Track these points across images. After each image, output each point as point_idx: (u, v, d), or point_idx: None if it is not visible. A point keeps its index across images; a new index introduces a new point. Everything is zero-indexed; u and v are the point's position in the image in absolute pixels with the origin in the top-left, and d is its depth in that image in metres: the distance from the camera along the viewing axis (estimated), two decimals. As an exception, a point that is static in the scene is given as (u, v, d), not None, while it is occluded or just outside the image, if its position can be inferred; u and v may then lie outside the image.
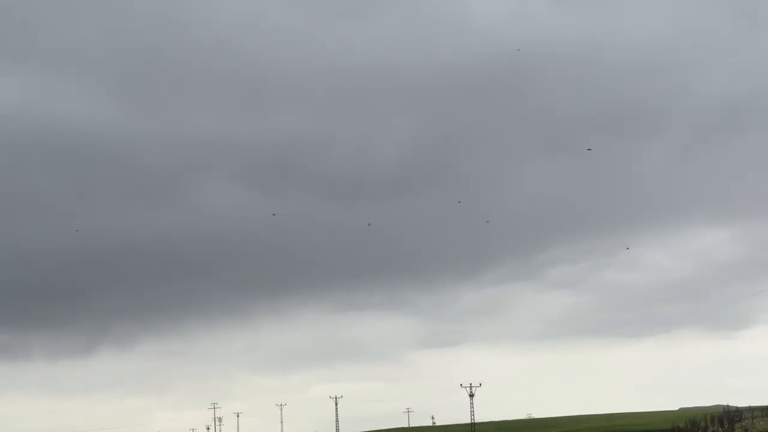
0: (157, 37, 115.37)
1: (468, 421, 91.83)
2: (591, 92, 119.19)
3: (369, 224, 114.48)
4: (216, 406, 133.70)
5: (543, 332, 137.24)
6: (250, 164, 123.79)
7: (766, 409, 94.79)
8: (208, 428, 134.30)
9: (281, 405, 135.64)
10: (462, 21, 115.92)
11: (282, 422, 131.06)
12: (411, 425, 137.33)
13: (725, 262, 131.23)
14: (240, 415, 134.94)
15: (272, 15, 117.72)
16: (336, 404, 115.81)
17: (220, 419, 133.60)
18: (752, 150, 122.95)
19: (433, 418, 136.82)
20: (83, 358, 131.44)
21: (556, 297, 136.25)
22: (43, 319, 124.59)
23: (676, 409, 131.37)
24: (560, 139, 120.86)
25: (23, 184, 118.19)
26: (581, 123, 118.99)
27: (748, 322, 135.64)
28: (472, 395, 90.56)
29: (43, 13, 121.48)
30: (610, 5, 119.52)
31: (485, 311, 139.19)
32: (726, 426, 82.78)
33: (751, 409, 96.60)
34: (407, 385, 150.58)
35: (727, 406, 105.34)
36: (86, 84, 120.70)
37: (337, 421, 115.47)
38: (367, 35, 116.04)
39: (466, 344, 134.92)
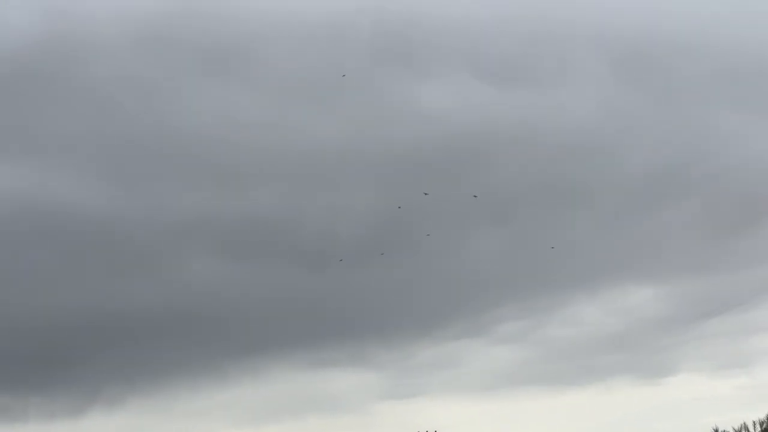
0: (141, 130, 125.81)
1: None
2: (529, 169, 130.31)
3: (337, 289, 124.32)
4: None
5: (493, 383, 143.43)
6: (227, 239, 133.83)
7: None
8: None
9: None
10: (414, 106, 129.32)
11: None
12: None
13: (651, 316, 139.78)
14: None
15: (244, 105, 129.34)
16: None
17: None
18: (672, 217, 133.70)
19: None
20: (76, 418, 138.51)
21: (504, 351, 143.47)
22: (39, 383, 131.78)
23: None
24: (503, 212, 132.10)
25: (22, 262, 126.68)
26: (521, 197, 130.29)
27: (672, 370, 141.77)
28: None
29: (42, 112, 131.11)
30: (544, 93, 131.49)
31: (441, 365, 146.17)
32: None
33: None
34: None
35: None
36: (79, 173, 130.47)
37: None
38: (329, 121, 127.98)
39: (424, 395, 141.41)
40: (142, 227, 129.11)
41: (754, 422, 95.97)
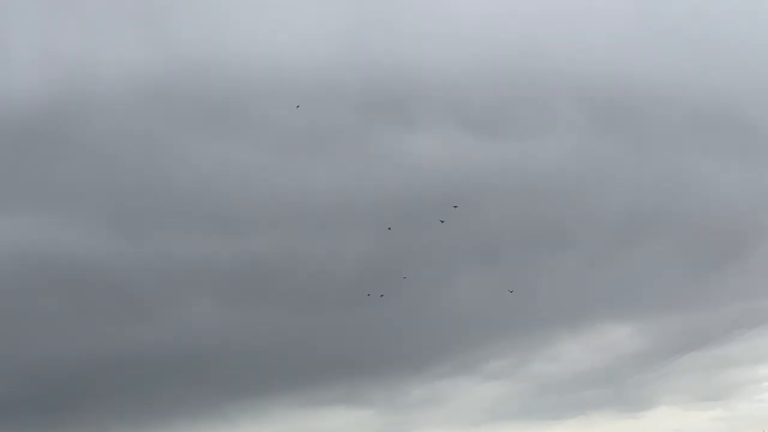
0: (143, 182, 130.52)
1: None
2: (512, 214, 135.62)
3: (330, 330, 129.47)
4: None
5: (482, 418, 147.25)
6: (226, 284, 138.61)
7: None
8: None
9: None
10: (403, 156, 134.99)
11: None
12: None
13: (631, 352, 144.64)
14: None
15: (242, 157, 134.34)
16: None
17: None
18: (648, 257, 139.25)
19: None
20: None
21: (492, 387, 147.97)
22: (48, 425, 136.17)
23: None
24: (488, 255, 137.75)
25: (30, 309, 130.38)
26: (505, 240, 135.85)
27: (652, 403, 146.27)
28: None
29: (49, 168, 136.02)
30: (526, 141, 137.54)
31: (432, 402, 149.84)
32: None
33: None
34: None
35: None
36: (85, 224, 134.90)
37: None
38: (323, 171, 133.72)
39: (417, 431, 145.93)
40: (145, 274, 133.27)
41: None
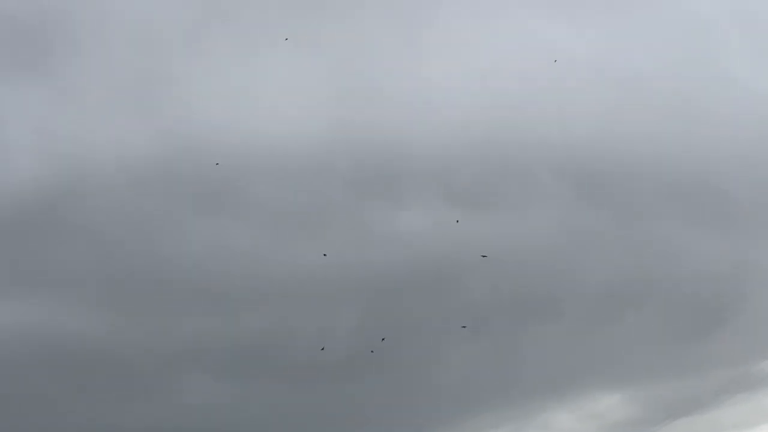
0: (139, 263, 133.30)
1: None
2: (500, 286, 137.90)
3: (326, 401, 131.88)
4: None
5: None
6: (222, 361, 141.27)
7: None
8: None
9: None
10: (392, 232, 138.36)
11: None
12: None
13: (620, 420, 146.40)
14: None
15: (235, 236, 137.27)
16: None
17: None
18: (634, 326, 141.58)
19: None
20: None
21: None
22: None
23: None
24: (479, 327, 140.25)
25: (27, 389, 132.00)
26: (495, 313, 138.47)
27: None
28: None
29: (46, 250, 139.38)
30: (511, 215, 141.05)
31: None
32: None
33: None
34: None
35: None
36: (82, 304, 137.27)
37: None
38: (314, 248, 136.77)
39: None
40: (142, 352, 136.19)
41: None
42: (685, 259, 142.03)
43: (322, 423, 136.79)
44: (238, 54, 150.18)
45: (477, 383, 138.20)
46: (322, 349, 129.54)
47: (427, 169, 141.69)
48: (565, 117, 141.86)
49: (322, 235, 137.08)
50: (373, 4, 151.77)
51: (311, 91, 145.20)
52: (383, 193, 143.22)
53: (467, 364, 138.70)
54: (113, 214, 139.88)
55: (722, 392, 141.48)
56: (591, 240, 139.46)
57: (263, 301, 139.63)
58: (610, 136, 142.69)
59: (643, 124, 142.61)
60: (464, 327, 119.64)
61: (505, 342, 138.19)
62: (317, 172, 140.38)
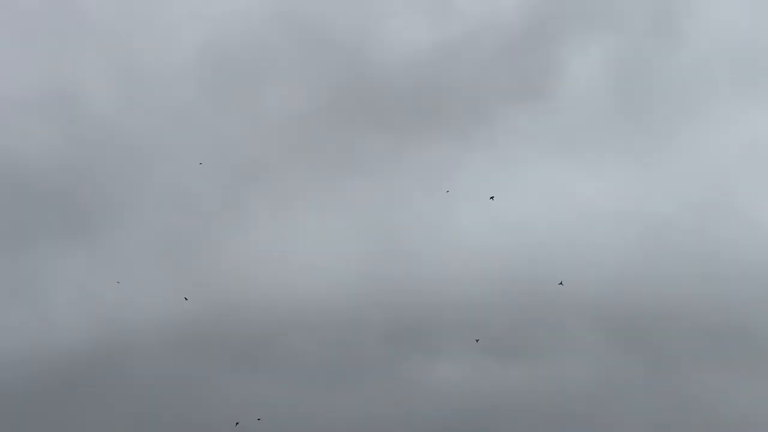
0: (179, 417, 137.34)
1: None
2: None
3: None
4: None
5: None
6: None
7: None
8: None
9: None
10: (427, 382, 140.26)
11: None
12: None
13: None
14: None
15: (273, 390, 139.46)
16: None
17: None
18: None
19: None
20: None
21: None
22: None
23: None
24: None
25: None
26: None
27: None
28: None
29: (89, 411, 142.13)
30: (543, 363, 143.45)
31: None
32: None
33: None
34: None
35: None
36: None
37: None
38: (350, 399, 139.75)
39: None
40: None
41: None
42: (715, 400, 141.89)
43: None
44: (273, 213, 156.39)
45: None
46: None
47: (460, 319, 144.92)
48: (593, 265, 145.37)
49: (359, 388, 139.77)
50: (403, 161, 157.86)
51: (344, 246, 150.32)
52: (418, 344, 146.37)
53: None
54: (152, 374, 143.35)
55: None
56: (622, 385, 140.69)
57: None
58: (638, 281, 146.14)
59: (669, 268, 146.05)
60: None
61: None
62: (352, 325, 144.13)
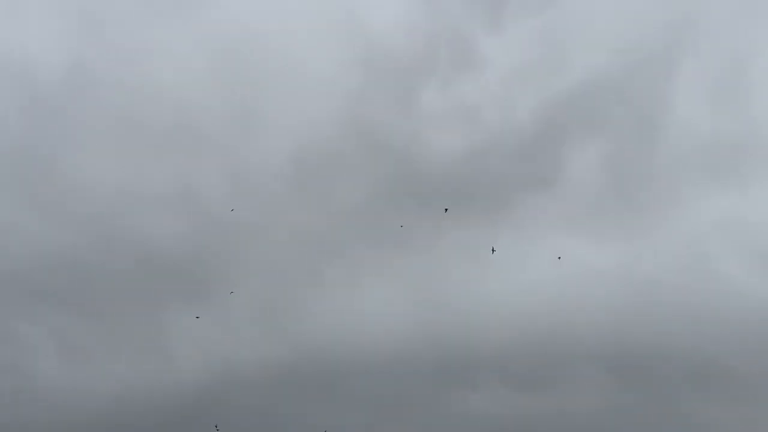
0: None
1: None
2: None
3: None
4: None
5: None
6: None
7: None
8: None
9: None
10: (466, 412, 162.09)
11: None
12: None
13: None
14: None
15: (344, 420, 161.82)
16: None
17: None
18: None
19: None
20: None
21: None
22: None
23: None
24: None
25: None
26: None
27: None
28: None
29: None
30: (555, 396, 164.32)
31: None
32: None
33: None
34: None
35: None
36: None
37: None
38: (401, 429, 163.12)
39: None
40: None
41: None
42: (709, 429, 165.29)
43: None
44: (347, 282, 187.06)
45: None
46: None
47: (492, 360, 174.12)
48: (597, 317, 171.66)
49: (409, 417, 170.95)
50: (444, 239, 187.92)
51: (401, 305, 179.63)
52: (458, 380, 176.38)
53: None
54: (253, 403, 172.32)
55: None
56: (625, 416, 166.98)
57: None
58: (633, 329, 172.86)
59: (660, 319, 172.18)
60: None
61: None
62: (406, 365, 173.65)
